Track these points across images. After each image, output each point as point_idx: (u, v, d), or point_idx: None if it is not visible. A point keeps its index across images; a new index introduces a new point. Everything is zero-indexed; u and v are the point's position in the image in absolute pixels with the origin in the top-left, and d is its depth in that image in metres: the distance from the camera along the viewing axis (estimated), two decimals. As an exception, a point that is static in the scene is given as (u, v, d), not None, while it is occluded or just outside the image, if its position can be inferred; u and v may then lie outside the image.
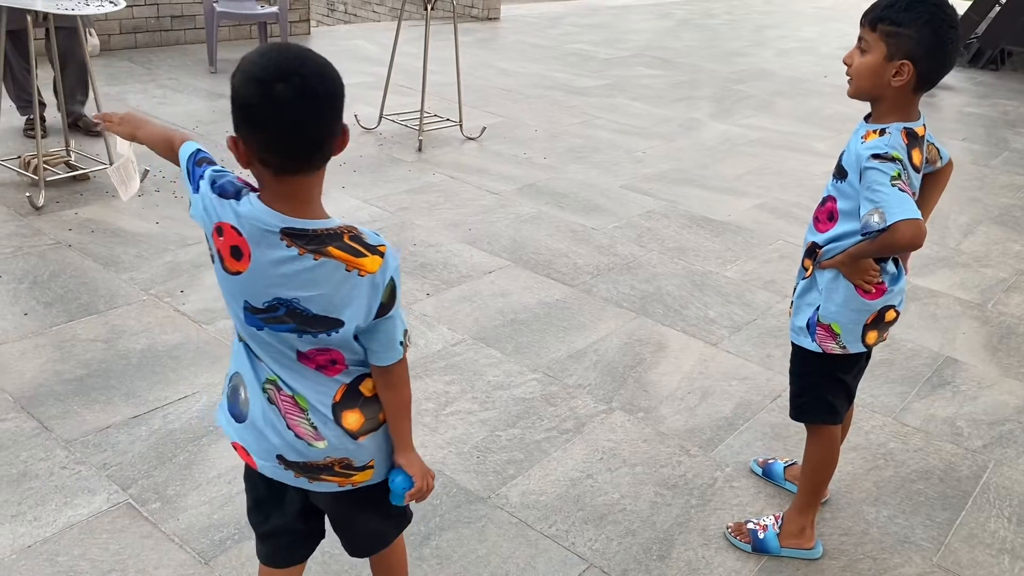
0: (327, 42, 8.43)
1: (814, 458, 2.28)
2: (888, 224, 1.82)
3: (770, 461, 2.66)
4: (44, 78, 4.57)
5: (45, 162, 4.21)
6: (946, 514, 2.55)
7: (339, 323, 1.40)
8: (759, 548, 2.33)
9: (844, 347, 2.09)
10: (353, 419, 1.49)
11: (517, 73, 7.79)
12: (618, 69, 8.41)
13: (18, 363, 2.86)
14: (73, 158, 4.48)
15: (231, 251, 1.39)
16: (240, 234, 1.37)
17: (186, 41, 7.49)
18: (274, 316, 1.40)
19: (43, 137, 4.67)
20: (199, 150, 1.54)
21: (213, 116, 5.65)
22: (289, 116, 1.30)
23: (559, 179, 5.11)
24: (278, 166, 1.34)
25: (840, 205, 2.02)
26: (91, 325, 3.13)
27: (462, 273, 3.82)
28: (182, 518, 2.27)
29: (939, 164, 2.13)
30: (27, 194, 4.06)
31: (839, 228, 2.02)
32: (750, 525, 2.37)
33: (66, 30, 4.55)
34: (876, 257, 2.01)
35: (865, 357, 2.21)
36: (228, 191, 1.40)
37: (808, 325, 2.12)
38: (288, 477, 1.52)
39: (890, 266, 2.06)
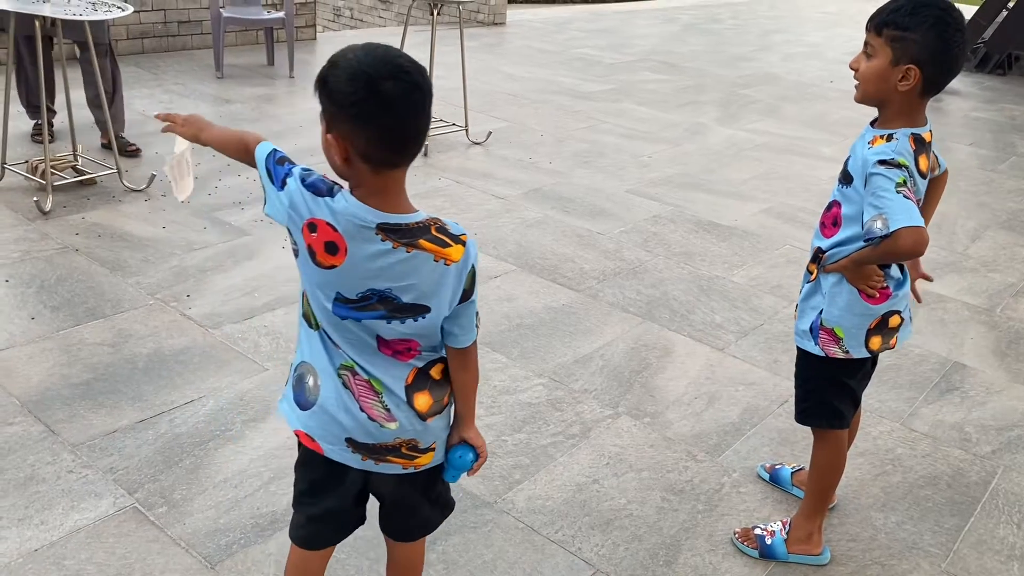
0: (333, 47, 8.43)
1: (821, 463, 2.27)
2: (890, 231, 1.81)
3: (777, 466, 2.65)
4: (69, 93, 4.57)
5: (52, 167, 4.22)
6: (955, 520, 2.54)
7: (427, 309, 1.49)
8: (766, 554, 2.32)
9: (847, 352, 2.08)
10: (423, 401, 1.57)
11: (523, 78, 7.80)
12: (624, 74, 8.42)
13: (25, 367, 2.87)
14: (80, 163, 4.50)
15: (325, 246, 1.44)
16: (335, 230, 1.43)
17: (192, 46, 7.52)
18: (366, 305, 1.47)
19: (50, 142, 4.68)
20: (276, 150, 1.58)
21: (220, 120, 5.65)
22: (399, 112, 1.37)
23: (565, 184, 5.11)
24: (380, 160, 1.40)
25: (845, 210, 2.01)
26: (98, 329, 3.13)
27: (468, 278, 3.81)
28: (188, 522, 2.27)
29: (936, 172, 2.12)
30: (34, 199, 4.07)
31: (843, 233, 2.02)
32: (757, 531, 2.36)
33: (97, 45, 4.58)
34: (879, 263, 2.00)
35: (871, 362, 2.20)
36: (321, 188, 1.46)
37: (812, 329, 2.11)
38: (355, 460, 1.58)
39: (895, 271, 2.05)
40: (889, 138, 1.92)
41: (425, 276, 1.46)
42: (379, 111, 1.36)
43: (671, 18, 12.66)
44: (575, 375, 3.13)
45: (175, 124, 1.82)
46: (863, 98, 1.99)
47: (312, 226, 1.45)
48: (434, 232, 1.46)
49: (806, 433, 2.37)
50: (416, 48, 6.00)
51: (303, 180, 1.48)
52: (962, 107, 8.29)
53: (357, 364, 1.53)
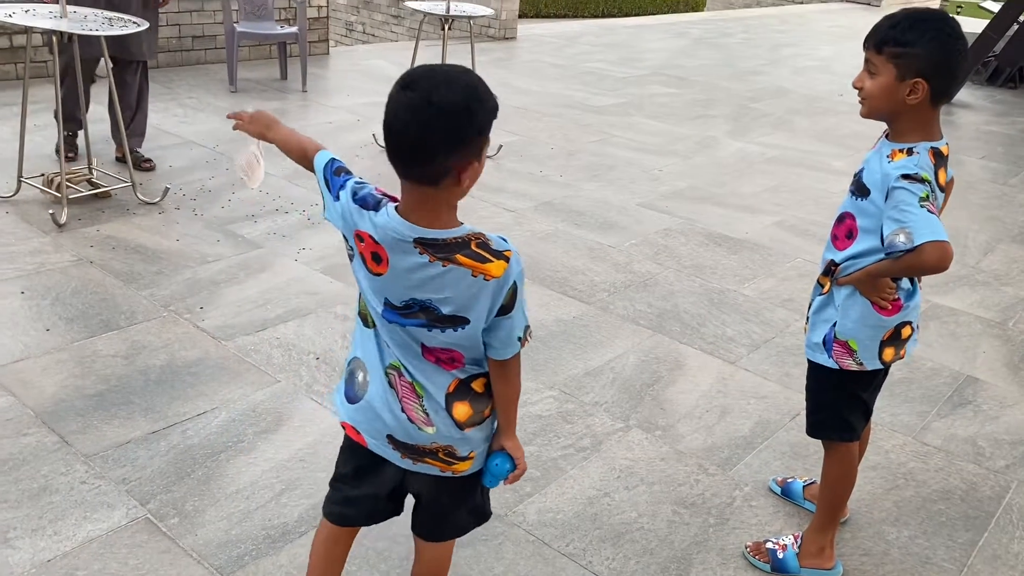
0: (346, 62, 8.51)
1: (832, 476, 2.27)
2: (915, 245, 1.81)
3: (789, 480, 2.64)
4: (97, 111, 4.62)
5: (68, 180, 4.26)
6: (968, 535, 2.52)
7: (466, 321, 1.53)
8: (778, 568, 2.31)
9: (861, 364, 2.08)
10: (462, 410, 1.61)
11: (533, 92, 7.83)
12: (634, 87, 8.44)
13: (40, 378, 2.89)
14: (95, 176, 4.54)
15: (372, 256, 1.53)
16: (377, 242, 1.51)
17: (207, 61, 7.59)
18: (410, 312, 1.53)
19: (73, 158, 4.70)
20: (334, 159, 1.65)
21: (233, 135, 5.71)
22: (398, 120, 1.41)
23: (576, 197, 5.12)
24: (398, 172, 1.46)
25: (860, 223, 2.01)
26: (112, 341, 3.16)
27: (479, 290, 3.82)
28: (200, 534, 2.28)
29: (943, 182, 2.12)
30: (50, 211, 4.11)
31: (859, 246, 2.01)
32: (769, 545, 2.35)
33: (133, 62, 4.65)
34: (900, 277, 2.00)
35: (882, 374, 2.20)
36: (368, 202, 1.53)
37: (824, 341, 2.11)
38: (395, 457, 1.65)
39: (905, 282, 2.05)
40: (910, 152, 1.92)
41: (462, 290, 1.49)
42: (388, 116, 1.43)
43: (681, 32, 12.70)
44: (586, 388, 3.13)
45: (242, 121, 1.86)
46: (871, 114, 2.00)
47: (360, 236, 1.54)
48: (474, 247, 1.49)
49: (818, 447, 2.37)
50: (428, 62, 6.05)
51: (354, 194, 1.55)
52: (974, 120, 8.27)
53: (404, 366, 1.59)
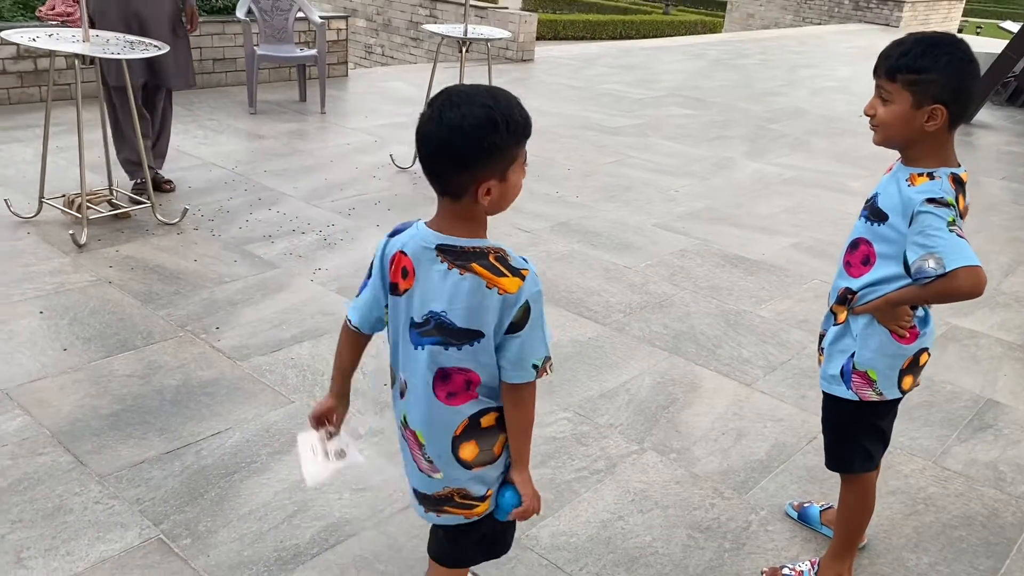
0: (364, 84, 8.59)
1: (850, 504, 2.23)
2: (947, 270, 1.78)
3: (806, 504, 2.60)
4: (107, 129, 4.67)
5: (88, 201, 4.31)
6: (989, 562, 2.47)
7: (480, 334, 1.54)
8: (795, 595, 2.27)
9: (881, 393, 2.05)
10: (469, 450, 1.62)
11: (550, 113, 7.86)
12: (651, 109, 8.45)
13: (56, 398, 2.91)
14: (115, 197, 4.59)
15: (401, 273, 1.59)
16: (406, 255, 1.57)
17: (227, 83, 7.67)
18: (427, 329, 1.56)
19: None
20: (360, 289, 1.72)
21: (252, 156, 5.76)
22: (420, 136, 1.48)
23: (592, 217, 5.12)
24: (431, 184, 1.53)
25: (878, 249, 1.97)
26: (128, 361, 3.17)
27: (494, 311, 3.82)
28: (212, 555, 2.27)
29: None
30: (70, 232, 4.16)
31: (878, 272, 1.97)
32: (786, 571, 2.32)
33: (152, 89, 4.70)
34: (927, 304, 1.97)
35: (899, 401, 2.16)
36: (402, 227, 1.62)
37: (842, 373, 2.07)
38: (421, 512, 1.74)
39: (919, 308, 2.02)
40: (931, 176, 1.89)
41: (475, 301, 1.51)
42: (416, 135, 1.48)
43: (699, 54, 12.72)
44: (600, 409, 3.11)
45: (319, 420, 1.79)
46: (885, 141, 1.98)
47: (392, 261, 1.61)
48: (491, 259, 1.52)
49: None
50: (445, 84, 6.10)
51: (390, 236, 1.63)
52: (994, 141, 8.21)
53: (408, 415, 1.65)
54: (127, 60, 4.17)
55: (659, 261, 4.54)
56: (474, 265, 1.51)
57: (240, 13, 6.96)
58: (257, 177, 5.31)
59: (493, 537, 1.79)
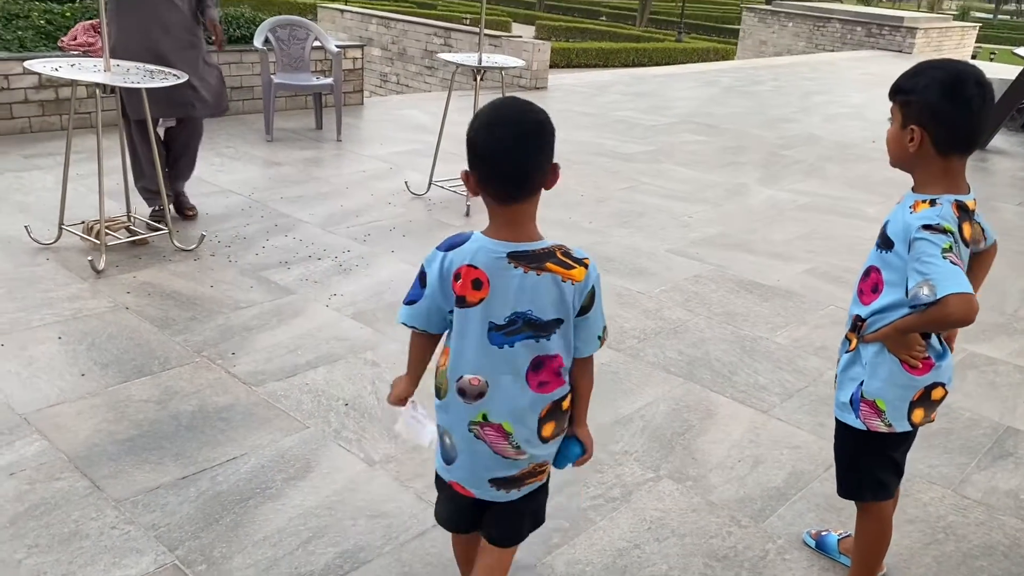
0: (379, 112, 8.67)
1: (866, 534, 2.21)
2: (938, 297, 1.77)
3: (823, 533, 2.57)
4: (125, 156, 4.73)
5: (107, 228, 4.36)
6: (1012, 593, 2.44)
7: (561, 321, 1.74)
8: (814, 625, 2.24)
9: (890, 425, 2.03)
10: (550, 428, 1.82)
11: (563, 140, 7.86)
12: (664, 135, 8.49)
13: (74, 423, 2.93)
14: (133, 223, 4.64)
15: (472, 284, 1.70)
16: (476, 267, 1.69)
17: (244, 111, 7.77)
18: (514, 328, 1.72)
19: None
20: (412, 299, 1.80)
21: (269, 183, 5.82)
22: (504, 156, 1.65)
23: (605, 243, 5.13)
24: (496, 195, 1.69)
25: (885, 276, 1.97)
26: (145, 386, 3.19)
27: (508, 337, 3.82)
28: (227, 581, 2.27)
29: (983, 245, 2.06)
30: (89, 258, 4.20)
31: (884, 299, 1.97)
32: (804, 600, 2.29)
33: (189, 118, 4.74)
34: (923, 331, 1.96)
35: (912, 433, 2.14)
36: (458, 241, 1.74)
37: (852, 401, 2.06)
38: (500, 496, 1.86)
39: (935, 340, 2.00)
40: (932, 203, 1.90)
41: (555, 294, 1.72)
42: (488, 152, 1.65)
43: (711, 81, 12.78)
44: (615, 436, 3.10)
45: (395, 399, 1.96)
46: (892, 163, 2.03)
47: (457, 275, 1.71)
48: (559, 255, 1.73)
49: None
50: (460, 112, 6.14)
51: (440, 249, 1.74)
52: (1009, 167, 8.19)
53: (488, 412, 1.77)
54: (139, 91, 4.22)
55: (673, 287, 4.53)
56: (548, 264, 1.71)
57: (258, 42, 7.06)
58: (273, 204, 5.36)
59: (541, 509, 2.00)
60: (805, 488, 2.86)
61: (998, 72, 10.76)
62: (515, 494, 1.86)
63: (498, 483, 1.84)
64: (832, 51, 19.68)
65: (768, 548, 2.55)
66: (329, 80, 7.31)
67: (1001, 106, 8.66)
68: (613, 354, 3.72)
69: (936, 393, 2.03)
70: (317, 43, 7.46)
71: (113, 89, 4.26)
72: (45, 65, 4.16)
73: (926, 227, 1.83)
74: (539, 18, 40.66)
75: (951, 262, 1.79)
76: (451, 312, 1.76)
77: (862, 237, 5.49)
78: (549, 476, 1.97)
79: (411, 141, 7.24)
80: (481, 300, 1.70)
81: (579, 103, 9.92)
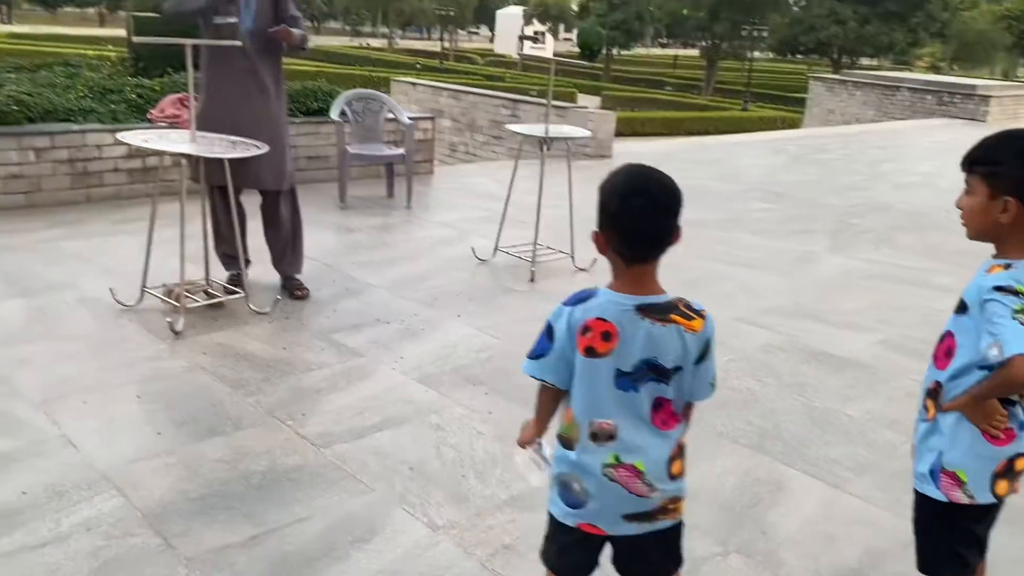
0: (448, 180, 8.87)
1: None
2: (1005, 358, 1.74)
3: (902, 616, 2.46)
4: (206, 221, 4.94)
5: (186, 290, 4.53)
6: None
7: (680, 369, 1.86)
8: None
9: (971, 496, 1.96)
10: (678, 467, 1.94)
11: (630, 208, 7.93)
12: (731, 203, 8.47)
13: (149, 480, 3.01)
14: (211, 286, 4.81)
15: (602, 336, 1.83)
16: (606, 320, 1.82)
17: (319, 180, 8.03)
18: (640, 375, 1.84)
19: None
20: (536, 354, 1.93)
21: (341, 248, 5.98)
22: (641, 223, 1.81)
23: (672, 311, 5.09)
24: (630, 258, 1.84)
25: (959, 339, 1.95)
26: (217, 446, 3.27)
27: (573, 404, 3.81)
28: (291, 643, 2.28)
29: None
30: (168, 320, 4.36)
31: (958, 362, 1.94)
32: None
33: (271, 193, 4.87)
34: (998, 396, 1.91)
35: (998, 506, 2.06)
36: (584, 297, 1.88)
37: (931, 472, 2.00)
38: (631, 528, 1.94)
39: (1019, 411, 1.94)
40: (1008, 266, 1.89)
41: (678, 343, 1.84)
42: (627, 221, 1.80)
43: (779, 149, 12.75)
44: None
45: (521, 440, 2.12)
46: (973, 235, 2.01)
47: (585, 329, 1.84)
48: (681, 308, 1.86)
49: (933, 580, 2.22)
50: (526, 180, 6.26)
51: (566, 305, 1.88)
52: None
53: (620, 454, 1.87)
54: (221, 160, 4.41)
55: (742, 356, 4.47)
56: (672, 316, 1.84)
57: (334, 114, 7.34)
58: (345, 268, 5.50)
59: (679, 541, 2.05)
60: (880, 567, 2.75)
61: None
62: (646, 527, 1.94)
63: (632, 517, 1.92)
64: (902, 119, 19.47)
65: (843, 630, 2.45)
66: (401, 150, 7.54)
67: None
68: (679, 423, 3.67)
69: (1020, 464, 1.96)
70: (390, 115, 7.72)
71: (197, 158, 4.47)
72: (135, 136, 4.41)
73: (998, 288, 1.82)
74: (605, 89, 41.33)
75: (1021, 323, 1.76)
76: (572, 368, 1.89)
77: (935, 308, 5.35)
78: (683, 522, 2.03)
79: (478, 208, 7.37)
80: (610, 351, 1.83)
81: (645, 171, 9.97)
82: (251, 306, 4.65)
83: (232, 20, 4.49)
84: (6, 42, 40.72)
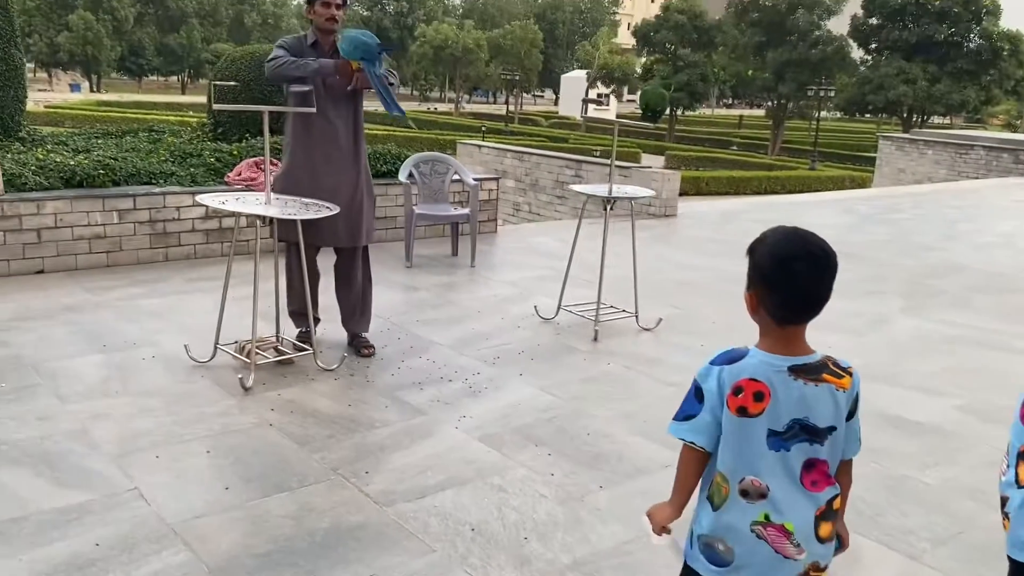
0: (512, 239, 8.96)
1: None
2: None
3: None
4: (278, 279, 5.08)
5: (256, 347, 4.64)
6: None
7: (834, 429, 1.88)
8: None
9: None
10: (826, 529, 1.91)
11: (694, 267, 7.89)
12: (799, 263, 8.32)
13: (216, 535, 3.05)
14: (281, 343, 4.91)
15: (754, 396, 1.85)
16: (758, 380, 1.85)
17: (387, 240, 8.19)
18: (791, 434, 1.86)
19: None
20: (679, 416, 1.96)
21: (406, 307, 6.07)
22: (801, 287, 1.84)
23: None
24: (783, 319, 1.87)
25: None
26: (283, 502, 3.30)
27: (637, 466, 3.75)
28: None
29: None
30: (239, 376, 4.46)
31: None
32: None
33: (347, 251, 5.01)
34: None
35: None
36: (734, 357, 1.90)
37: None
38: None
39: None
40: None
41: (831, 403, 1.86)
42: (786, 284, 1.83)
43: (849, 208, 12.56)
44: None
45: (655, 529, 2.05)
46: None
47: (737, 390, 1.85)
48: (831, 366, 1.89)
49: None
50: (589, 239, 6.30)
51: (714, 364, 1.90)
52: None
53: (770, 512, 1.87)
54: (304, 223, 4.55)
55: (811, 420, 4.35)
56: (824, 375, 1.86)
57: (402, 176, 7.53)
58: (410, 326, 5.57)
59: None
60: (965, 647, 2.61)
61: None
62: None
63: None
64: (976, 178, 19.02)
65: None
66: (466, 211, 7.66)
67: None
68: (747, 488, 3.58)
69: None
70: (456, 176, 7.87)
71: (271, 220, 4.62)
72: (213, 199, 4.58)
73: None
74: (669, 149, 41.47)
75: None
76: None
77: (1017, 372, 5.14)
78: None
79: (541, 267, 7.42)
80: (762, 411, 1.84)
81: (709, 230, 9.93)
82: (319, 363, 4.73)
83: (308, 88, 4.67)
84: (95, 109, 43.01)
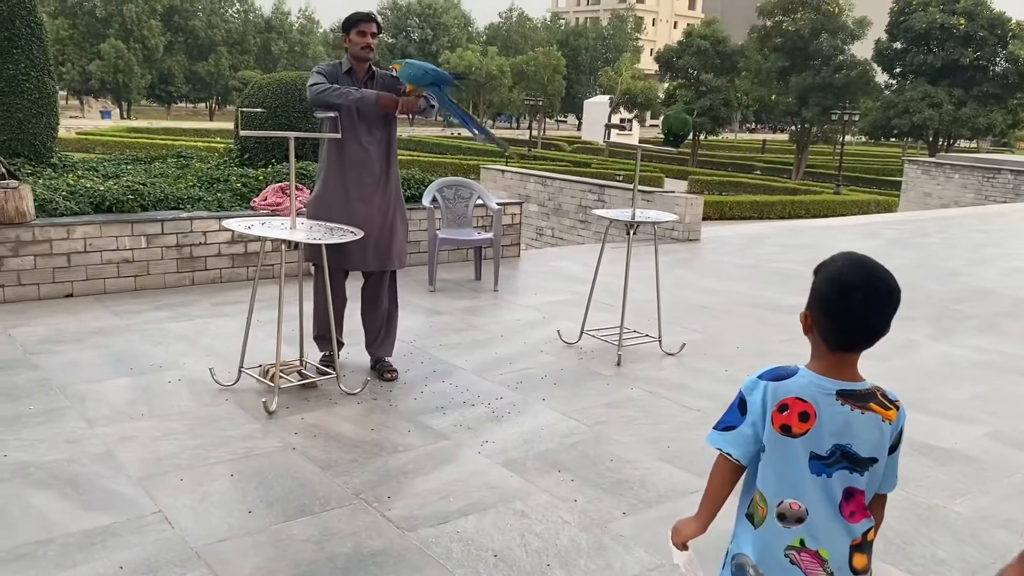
0: (535, 263, 8.96)
1: None
2: None
3: None
4: (303, 304, 5.12)
5: (280, 371, 4.66)
6: None
7: (875, 460, 1.86)
8: None
9: None
10: (861, 561, 1.89)
11: (718, 291, 7.85)
12: (824, 288, 8.25)
13: (238, 559, 3.05)
14: (304, 367, 4.94)
15: (799, 416, 1.84)
16: (805, 401, 1.84)
17: (410, 264, 8.22)
18: (832, 459, 1.84)
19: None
20: (730, 425, 1.95)
21: (429, 331, 6.08)
22: (856, 318, 1.81)
23: (763, 399, 4.95)
24: (836, 345, 1.85)
25: None
26: (305, 526, 3.30)
27: (661, 492, 3.72)
28: None
29: None
30: (263, 400, 4.48)
31: None
32: None
33: (375, 275, 5.06)
34: None
35: None
36: (784, 374, 1.89)
37: None
38: None
39: None
40: None
41: (876, 433, 1.84)
42: (841, 313, 1.81)
43: (874, 233, 12.46)
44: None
45: (677, 541, 2.06)
46: None
47: (783, 407, 1.84)
48: (879, 397, 1.87)
49: None
50: (612, 263, 6.29)
51: (761, 379, 1.89)
52: None
53: (806, 538, 1.85)
54: (332, 248, 4.59)
55: (838, 446, 4.29)
56: (872, 405, 1.85)
57: (426, 201, 7.57)
58: (433, 350, 5.57)
59: None
60: None
61: None
62: None
63: None
64: (1004, 202, 18.81)
65: None
66: (489, 235, 7.69)
67: None
68: (773, 516, 3.53)
69: None
70: (479, 201, 7.91)
71: (296, 244, 4.66)
72: (239, 223, 4.63)
73: None
74: (692, 173, 41.41)
75: None
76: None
77: (1051, 399, 5.05)
78: None
79: (564, 291, 7.41)
80: (806, 431, 1.83)
81: (733, 254, 9.88)
82: (342, 387, 4.74)
83: (334, 115, 4.72)
84: (125, 136, 43.77)
